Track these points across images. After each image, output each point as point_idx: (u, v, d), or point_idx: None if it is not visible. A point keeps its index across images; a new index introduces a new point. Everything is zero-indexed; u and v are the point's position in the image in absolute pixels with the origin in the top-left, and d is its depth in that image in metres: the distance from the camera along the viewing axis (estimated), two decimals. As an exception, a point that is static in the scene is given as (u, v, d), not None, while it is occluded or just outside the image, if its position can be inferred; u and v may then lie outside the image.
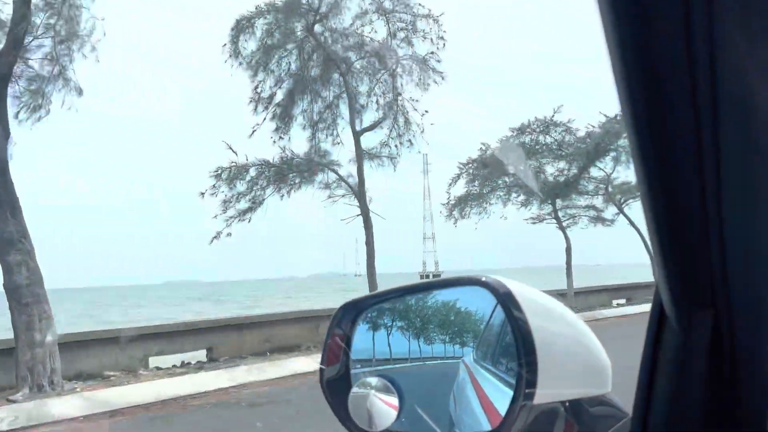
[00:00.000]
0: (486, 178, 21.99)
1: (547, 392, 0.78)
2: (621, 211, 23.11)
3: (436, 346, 0.98)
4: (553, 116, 21.30)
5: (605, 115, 20.97)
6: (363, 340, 1.04)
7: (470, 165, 22.23)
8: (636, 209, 22.32)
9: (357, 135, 15.99)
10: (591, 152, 20.96)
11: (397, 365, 1.01)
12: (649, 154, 0.53)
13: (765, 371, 0.61)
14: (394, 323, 1.03)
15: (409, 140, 16.81)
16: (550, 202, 21.96)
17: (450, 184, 22.45)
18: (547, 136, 21.50)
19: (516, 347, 0.79)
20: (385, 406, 0.92)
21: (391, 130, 16.82)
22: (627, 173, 22.58)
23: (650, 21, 0.46)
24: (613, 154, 21.74)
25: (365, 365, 1.02)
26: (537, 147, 21.52)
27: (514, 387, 0.79)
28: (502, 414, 0.81)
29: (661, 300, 0.65)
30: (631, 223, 22.21)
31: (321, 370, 1.01)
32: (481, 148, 22.21)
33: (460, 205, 22.51)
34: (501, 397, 0.82)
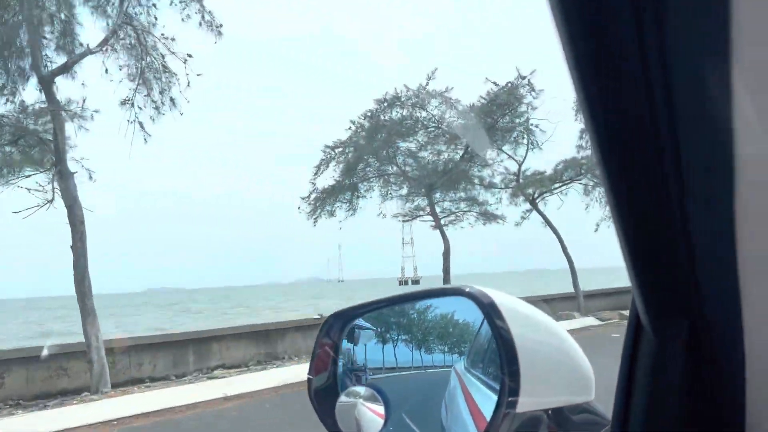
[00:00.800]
0: (352, 163, 17.12)
1: (530, 400, 0.80)
2: (535, 207, 19.21)
3: (426, 354, 0.99)
4: (427, 84, 16.36)
5: (494, 83, 16.78)
6: (350, 349, 1.05)
7: (340, 148, 17.45)
8: (553, 204, 19.51)
9: (45, 79, 10.58)
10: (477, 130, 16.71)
11: (386, 374, 1.02)
12: (612, 166, 0.54)
13: (741, 379, 0.62)
14: (382, 332, 1.05)
15: (171, 99, 11.76)
16: (424, 194, 17.53)
17: (315, 174, 17.52)
18: (422, 111, 16.78)
19: (499, 356, 0.80)
20: (372, 415, 0.93)
21: (137, 79, 11.37)
22: (539, 161, 19.73)
23: (603, 31, 0.47)
24: (516, 133, 17.89)
25: (353, 374, 1.03)
26: (408, 124, 16.71)
27: (498, 395, 0.80)
28: (488, 421, 0.82)
29: (636, 309, 0.67)
30: (547, 222, 19.05)
31: (309, 379, 1.02)
32: (350, 128, 17.27)
33: (325, 200, 17.66)
34: (489, 404, 0.84)
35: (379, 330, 1.05)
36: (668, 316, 0.63)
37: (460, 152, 17.53)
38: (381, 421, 0.93)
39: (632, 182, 0.54)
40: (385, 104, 16.74)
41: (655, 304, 0.62)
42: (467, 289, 0.87)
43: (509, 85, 16.87)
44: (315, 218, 17.59)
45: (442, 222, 17.88)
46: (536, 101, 17.16)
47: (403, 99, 16.65)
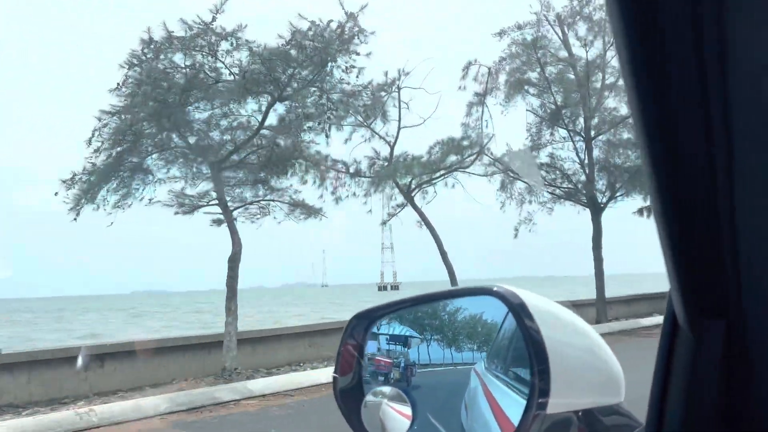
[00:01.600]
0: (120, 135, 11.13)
1: (559, 401, 0.79)
2: (410, 201, 15.67)
3: (446, 354, 0.99)
4: (212, 21, 10.68)
5: (312, 22, 11.04)
6: (375, 349, 1.04)
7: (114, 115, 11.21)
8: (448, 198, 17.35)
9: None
10: (281, 81, 11.15)
11: (410, 374, 1.01)
12: (660, 160, 0.53)
13: None
14: (405, 332, 1.04)
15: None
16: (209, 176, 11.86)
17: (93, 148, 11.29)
18: (210, 57, 11.00)
19: (528, 357, 0.80)
20: (397, 415, 0.93)
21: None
22: (417, 147, 15.77)
23: (659, 19, 0.47)
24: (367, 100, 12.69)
25: (377, 374, 1.03)
26: (191, 75, 10.88)
27: (527, 396, 0.80)
28: (514, 423, 0.81)
29: (673, 309, 0.66)
30: (422, 218, 15.64)
31: (334, 379, 1.02)
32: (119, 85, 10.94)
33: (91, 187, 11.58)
34: (513, 406, 0.83)
35: (401, 331, 1.05)
36: (707, 316, 0.62)
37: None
38: (407, 422, 0.92)
39: (680, 179, 0.54)
40: (153, 47, 11.04)
41: (694, 304, 0.62)
42: (495, 289, 0.87)
43: (329, 24, 11.34)
44: (77, 210, 11.62)
45: (237, 215, 12.35)
46: (408, 66, 14.92)
47: (177, 40, 10.98)
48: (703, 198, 0.54)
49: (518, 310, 0.82)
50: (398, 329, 1.04)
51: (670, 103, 0.50)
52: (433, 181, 16.26)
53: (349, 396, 1.00)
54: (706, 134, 0.51)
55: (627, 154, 18.05)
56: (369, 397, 0.96)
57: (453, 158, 16.17)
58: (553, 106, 18.21)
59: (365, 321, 1.05)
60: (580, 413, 0.85)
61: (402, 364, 0.98)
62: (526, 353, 0.80)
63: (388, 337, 1.04)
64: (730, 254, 0.56)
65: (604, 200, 18.34)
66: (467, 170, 16.43)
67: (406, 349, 1.02)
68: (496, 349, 0.95)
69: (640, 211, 18.70)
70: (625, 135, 18.00)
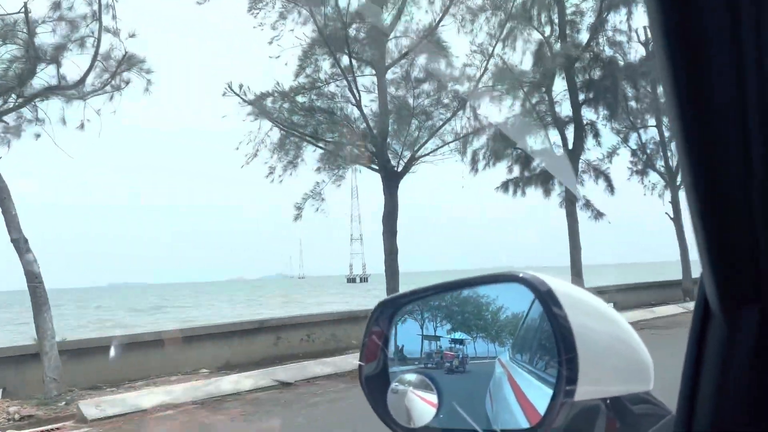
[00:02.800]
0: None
1: (587, 389, 0.78)
2: None
3: (472, 342, 0.98)
4: None
5: None
6: (400, 337, 1.04)
7: None
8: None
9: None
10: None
11: (435, 361, 1.01)
12: (694, 146, 0.52)
13: None
14: (430, 320, 1.04)
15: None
16: None
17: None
18: None
19: (555, 344, 0.79)
20: (423, 403, 0.93)
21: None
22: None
23: (698, 24, 0.47)
24: None
25: (403, 362, 1.03)
26: None
27: (554, 384, 0.79)
28: (540, 411, 0.81)
29: (705, 295, 0.65)
30: None
31: (360, 366, 1.02)
32: None
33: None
34: (539, 394, 0.82)
35: (425, 317, 1.05)
36: (740, 303, 0.61)
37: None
38: (433, 410, 0.92)
39: (713, 161, 0.53)
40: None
41: (727, 290, 0.60)
42: (522, 275, 0.86)
43: None
44: None
45: None
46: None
47: None
48: (737, 182, 0.53)
49: (545, 296, 0.81)
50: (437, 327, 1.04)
51: (704, 92, 0.50)
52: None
53: (375, 383, 1.01)
54: (739, 117, 0.50)
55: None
56: (394, 385, 0.96)
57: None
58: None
59: (390, 309, 1.05)
60: (608, 401, 0.84)
61: (460, 355, 0.97)
62: (553, 341, 0.80)
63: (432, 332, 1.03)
64: (765, 238, 0.55)
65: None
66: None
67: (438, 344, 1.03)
68: (522, 338, 0.94)
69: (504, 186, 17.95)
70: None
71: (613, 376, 0.83)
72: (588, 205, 18.33)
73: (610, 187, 18.71)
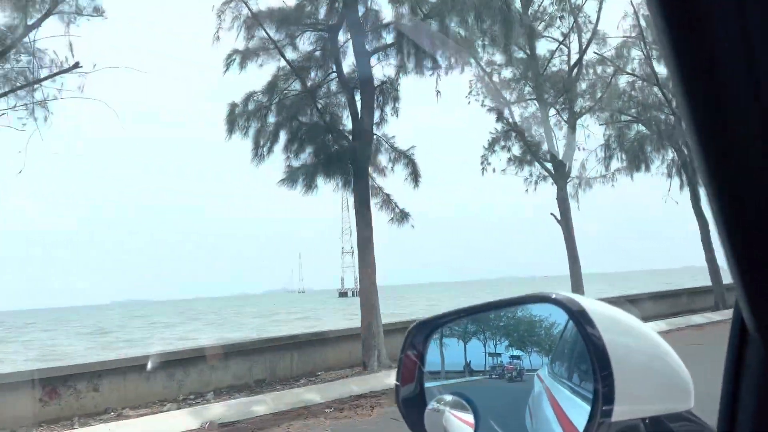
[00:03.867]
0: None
1: (625, 408, 0.78)
2: None
3: (507, 362, 0.99)
4: None
5: None
6: (435, 357, 1.06)
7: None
8: None
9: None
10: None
11: (471, 381, 1.02)
12: (713, 153, 0.52)
13: None
14: (466, 341, 1.05)
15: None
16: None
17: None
18: None
19: (591, 364, 0.79)
20: (460, 423, 0.94)
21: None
22: None
23: (707, 27, 0.46)
24: None
25: (439, 382, 1.04)
26: None
27: (591, 404, 0.79)
28: (579, 429, 0.80)
29: (741, 315, 0.64)
30: None
31: (396, 387, 1.03)
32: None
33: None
34: (578, 412, 0.82)
35: (460, 338, 1.06)
36: None
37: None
38: (470, 430, 0.93)
39: (737, 172, 0.51)
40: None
41: (763, 307, 0.60)
42: (553, 296, 0.86)
43: None
44: None
45: None
46: None
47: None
48: (765, 194, 0.52)
49: (578, 316, 0.81)
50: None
51: (724, 104, 0.49)
52: None
53: (412, 404, 1.02)
54: (762, 126, 0.49)
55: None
56: (431, 405, 0.97)
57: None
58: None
59: (425, 329, 1.07)
60: (647, 420, 0.83)
61: (519, 368, 0.98)
62: (589, 360, 0.80)
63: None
64: None
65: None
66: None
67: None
68: (560, 355, 0.94)
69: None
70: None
71: (651, 395, 0.83)
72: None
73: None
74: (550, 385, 0.94)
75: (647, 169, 19.38)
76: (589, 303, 0.82)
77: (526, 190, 18.51)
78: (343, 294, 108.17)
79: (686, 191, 19.11)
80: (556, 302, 0.85)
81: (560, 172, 17.29)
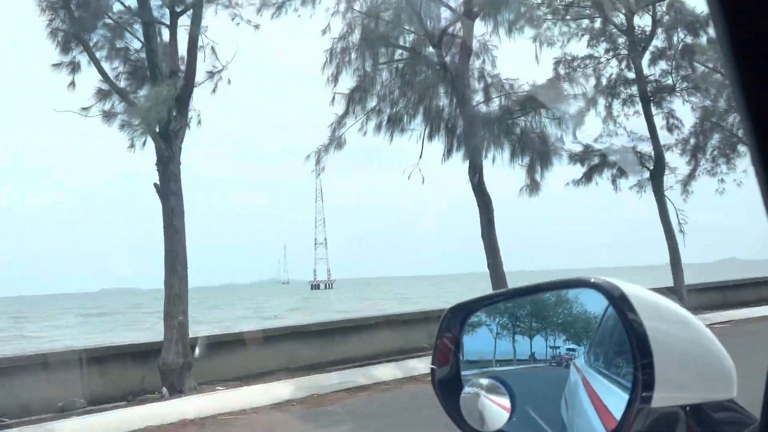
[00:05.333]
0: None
1: (665, 395, 0.77)
2: None
3: (544, 347, 0.98)
4: None
5: None
6: (472, 341, 1.06)
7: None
8: None
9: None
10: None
11: (507, 366, 1.02)
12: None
13: None
14: (503, 325, 1.05)
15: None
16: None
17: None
18: None
19: (631, 350, 0.78)
20: (496, 407, 0.94)
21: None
22: None
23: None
24: None
25: (475, 366, 1.04)
26: None
27: (630, 390, 0.78)
28: (616, 416, 0.80)
29: None
30: None
31: (432, 370, 1.04)
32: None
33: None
34: (615, 400, 0.82)
35: (496, 323, 1.05)
36: None
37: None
38: (506, 414, 0.93)
39: None
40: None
41: None
42: (593, 280, 0.85)
43: None
44: None
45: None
46: None
47: None
48: None
49: (619, 302, 0.80)
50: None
51: None
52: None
53: (447, 387, 1.02)
54: None
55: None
56: (467, 389, 0.97)
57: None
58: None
59: (461, 313, 1.07)
60: (687, 408, 0.82)
61: (555, 355, 0.98)
62: (629, 346, 0.79)
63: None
64: None
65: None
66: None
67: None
68: (597, 342, 0.93)
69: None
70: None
71: (693, 383, 0.81)
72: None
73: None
74: (586, 374, 0.93)
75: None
76: (630, 288, 0.81)
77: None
78: (315, 286, 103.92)
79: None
80: (596, 287, 0.84)
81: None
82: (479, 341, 1.05)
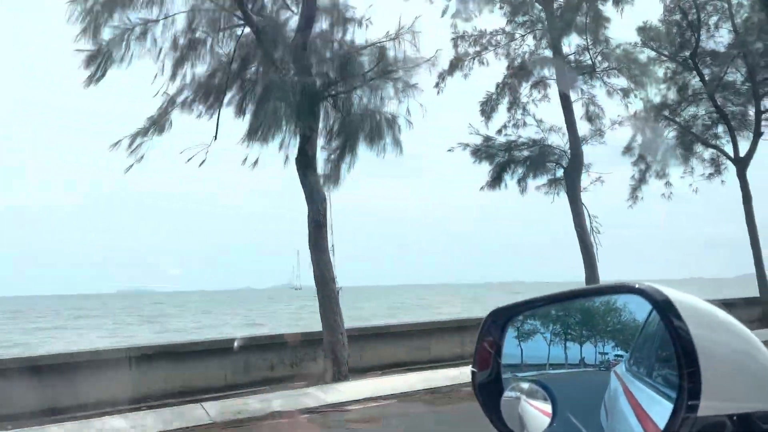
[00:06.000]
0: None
1: (711, 404, 0.75)
2: None
3: (585, 353, 0.98)
4: None
5: None
6: (512, 345, 1.06)
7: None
8: None
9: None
10: None
11: (546, 370, 1.01)
12: None
13: None
14: (543, 330, 1.04)
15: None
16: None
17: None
18: None
19: (676, 357, 0.77)
20: (537, 412, 0.93)
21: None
22: None
23: None
24: None
25: (515, 370, 1.04)
26: None
27: (675, 398, 0.77)
28: (660, 426, 0.79)
29: None
30: None
31: (473, 373, 1.04)
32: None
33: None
34: (658, 408, 0.80)
35: (536, 328, 1.05)
36: None
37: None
38: (546, 419, 0.93)
39: None
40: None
41: None
42: (637, 285, 0.85)
43: None
44: None
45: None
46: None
47: None
48: None
49: (664, 307, 0.79)
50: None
51: None
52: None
53: (488, 390, 1.02)
54: None
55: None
56: (508, 392, 0.97)
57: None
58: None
59: (501, 318, 1.07)
60: (735, 418, 0.80)
61: (595, 361, 0.98)
62: (673, 353, 0.78)
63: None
64: None
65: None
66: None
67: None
68: (639, 349, 0.92)
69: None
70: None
71: (740, 392, 0.80)
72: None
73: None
74: (627, 381, 0.92)
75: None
76: (675, 294, 0.80)
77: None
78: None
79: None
80: (640, 292, 0.84)
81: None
82: (519, 345, 1.05)
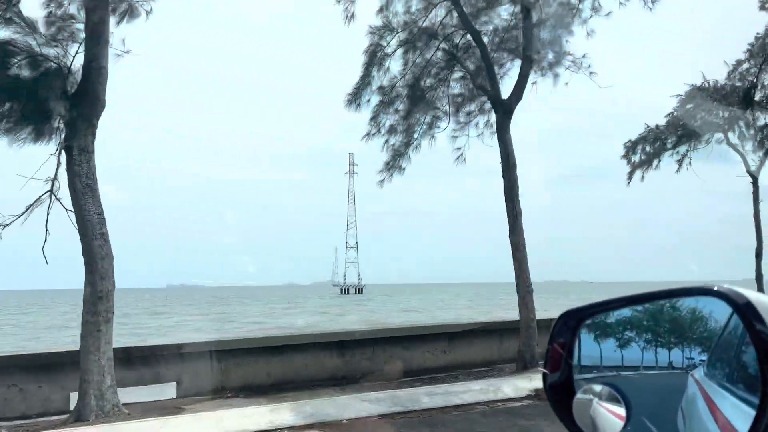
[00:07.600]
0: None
1: None
2: None
3: (660, 356, 0.96)
4: None
5: None
6: (584, 347, 1.05)
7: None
8: None
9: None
10: None
11: (621, 372, 1.00)
12: None
13: None
14: (616, 332, 1.03)
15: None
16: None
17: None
18: None
19: (759, 362, 0.75)
20: (609, 415, 0.93)
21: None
22: None
23: None
24: None
25: (587, 372, 1.03)
26: None
27: (758, 405, 0.75)
28: None
29: None
30: None
31: (544, 375, 1.04)
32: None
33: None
34: (741, 416, 0.79)
35: (609, 329, 1.04)
36: None
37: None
38: (620, 423, 0.92)
39: None
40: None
41: None
42: (716, 288, 0.83)
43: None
44: None
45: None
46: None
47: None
48: None
49: (745, 310, 0.77)
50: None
51: None
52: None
53: (559, 392, 1.02)
54: None
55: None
56: (580, 395, 0.97)
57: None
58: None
59: (572, 320, 1.06)
60: None
61: (672, 365, 0.97)
62: (755, 358, 0.76)
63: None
64: None
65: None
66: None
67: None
68: (718, 353, 0.90)
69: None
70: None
71: None
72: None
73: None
74: (707, 387, 0.90)
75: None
76: (757, 296, 0.78)
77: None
78: (345, 291, 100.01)
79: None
80: (720, 295, 0.82)
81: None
82: (592, 347, 1.04)
